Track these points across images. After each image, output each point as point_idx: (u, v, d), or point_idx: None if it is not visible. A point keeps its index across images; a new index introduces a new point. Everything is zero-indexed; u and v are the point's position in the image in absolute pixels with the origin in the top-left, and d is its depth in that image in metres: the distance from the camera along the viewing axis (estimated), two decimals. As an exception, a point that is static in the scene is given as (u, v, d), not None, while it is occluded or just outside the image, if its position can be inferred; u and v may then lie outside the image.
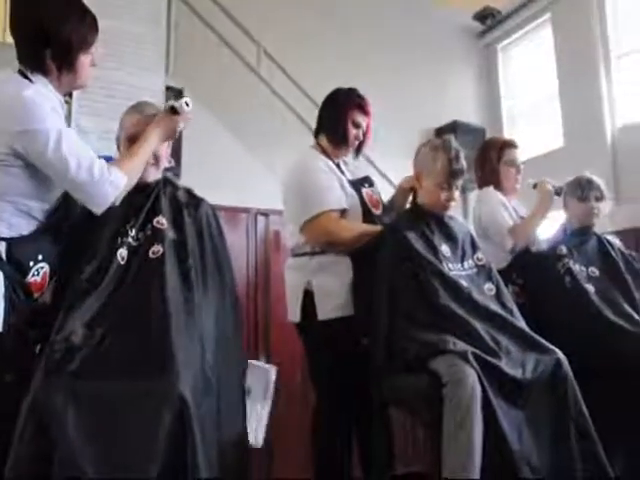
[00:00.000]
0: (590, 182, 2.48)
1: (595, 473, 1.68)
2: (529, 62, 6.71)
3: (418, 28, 6.23)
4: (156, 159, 1.76)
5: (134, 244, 1.66)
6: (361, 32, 5.76)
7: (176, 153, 3.61)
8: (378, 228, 2.06)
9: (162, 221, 1.70)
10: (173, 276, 1.60)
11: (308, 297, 2.14)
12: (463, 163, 1.97)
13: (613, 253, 2.46)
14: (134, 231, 1.67)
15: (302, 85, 4.18)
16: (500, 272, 2.12)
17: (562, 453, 1.65)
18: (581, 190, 2.47)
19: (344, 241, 2.07)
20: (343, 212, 2.11)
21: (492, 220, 2.49)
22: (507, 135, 6.54)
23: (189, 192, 1.85)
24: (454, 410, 1.54)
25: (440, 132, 5.76)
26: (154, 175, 1.78)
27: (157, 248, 1.64)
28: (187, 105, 1.72)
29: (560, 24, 6.21)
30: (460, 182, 1.99)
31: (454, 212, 2.65)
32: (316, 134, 2.31)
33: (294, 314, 2.20)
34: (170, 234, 1.68)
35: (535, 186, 2.53)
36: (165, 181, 1.83)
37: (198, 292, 1.61)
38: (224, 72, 4.04)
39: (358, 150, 2.31)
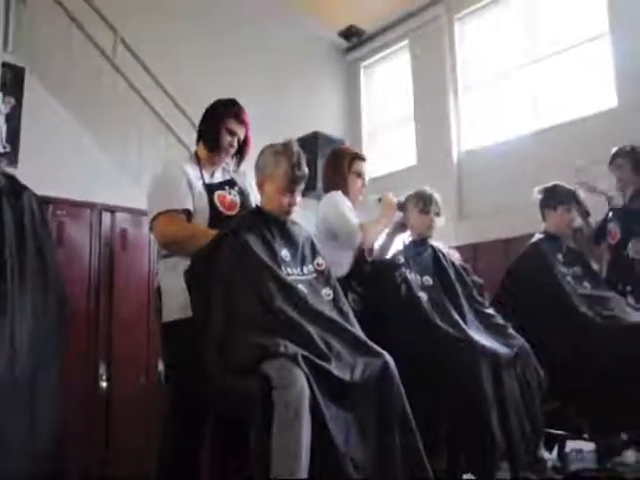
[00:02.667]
0: (431, 197, 2.66)
1: (415, 469, 1.77)
2: (389, 83, 7.10)
3: (287, 38, 6.33)
4: None
5: (-64, 234, 1.47)
6: (230, 36, 5.71)
7: (13, 138, 3.29)
8: (214, 231, 2.05)
9: (-27, 209, 1.53)
10: (-17, 270, 1.45)
11: (159, 298, 2.19)
12: (305, 168, 2.00)
13: (445, 264, 2.65)
14: (-63, 219, 1.48)
15: (162, 81, 4.03)
16: (339, 280, 2.19)
17: (386, 451, 1.72)
18: (424, 203, 2.63)
19: (176, 241, 2.11)
20: (189, 214, 2.15)
21: (341, 219, 2.54)
22: (366, 150, 6.86)
23: (11, 178, 1.68)
24: (283, 413, 1.55)
25: (302, 142, 5.88)
26: (-32, 157, 1.60)
27: (-35, 238, 1.47)
28: None
29: (416, 52, 6.65)
30: (302, 187, 2.03)
31: (311, 217, 2.72)
32: (196, 143, 2.37)
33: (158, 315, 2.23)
34: (-18, 224, 1.52)
35: (380, 200, 2.65)
36: (-18, 165, 1.65)
37: (13, 288, 1.48)
38: (75, 57, 3.77)
39: (240, 160, 2.38)
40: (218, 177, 2.32)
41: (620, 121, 4.87)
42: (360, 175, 2.75)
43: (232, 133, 2.27)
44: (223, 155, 2.30)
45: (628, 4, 5.10)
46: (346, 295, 2.16)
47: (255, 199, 2.30)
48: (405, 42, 6.76)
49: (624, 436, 2.87)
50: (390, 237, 2.72)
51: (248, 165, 2.37)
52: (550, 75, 5.74)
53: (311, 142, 5.92)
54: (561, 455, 2.94)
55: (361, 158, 2.81)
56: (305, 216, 2.56)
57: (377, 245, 2.74)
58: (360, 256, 2.60)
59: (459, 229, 5.79)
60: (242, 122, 2.30)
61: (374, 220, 2.65)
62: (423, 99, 6.47)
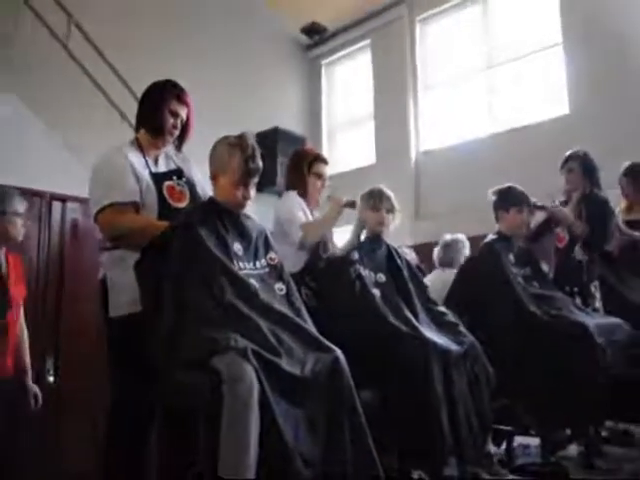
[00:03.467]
0: (382, 194, 2.68)
1: (365, 466, 1.78)
2: (350, 81, 7.13)
3: (248, 32, 6.27)
4: None
5: None
6: (190, 28, 5.63)
7: (-44, 123, 3.16)
8: (165, 223, 2.01)
9: None
10: None
11: (106, 293, 2.12)
12: (259, 162, 1.98)
13: (399, 262, 2.67)
14: None
15: (117, 67, 3.93)
16: (294, 275, 2.19)
17: (335, 446, 1.71)
18: (374, 200, 2.66)
19: (127, 234, 2.04)
20: (137, 206, 2.09)
21: (289, 216, 2.65)
22: (326, 147, 6.87)
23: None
24: (232, 407, 1.53)
25: (261, 137, 5.85)
26: None
27: None
28: None
29: (378, 51, 6.70)
30: (256, 180, 2.00)
31: (266, 212, 2.73)
32: (136, 129, 2.29)
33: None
34: None
35: (329, 198, 2.69)
36: None
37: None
38: (26, 38, 3.64)
39: (180, 143, 2.31)
40: (162, 164, 2.27)
41: (571, 128, 5.03)
42: (320, 176, 2.82)
43: (175, 115, 2.22)
44: (167, 138, 2.24)
45: (580, 16, 5.28)
46: (299, 290, 2.16)
47: (201, 188, 2.27)
48: (367, 41, 6.79)
49: (567, 431, 2.98)
50: (354, 234, 2.76)
51: (188, 150, 2.34)
52: (506, 80, 5.90)
53: (270, 137, 5.90)
54: (509, 450, 3.02)
55: (322, 160, 2.88)
56: (260, 211, 2.56)
57: (341, 244, 2.81)
58: (315, 252, 2.62)
59: (416, 228, 5.86)
60: (184, 103, 2.25)
61: (318, 219, 2.73)
62: (383, 99, 6.52)
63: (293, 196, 2.75)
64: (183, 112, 2.24)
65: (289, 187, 2.84)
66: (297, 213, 2.66)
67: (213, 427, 1.57)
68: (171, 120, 2.21)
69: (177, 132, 2.25)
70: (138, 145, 2.22)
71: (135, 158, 2.15)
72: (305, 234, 2.59)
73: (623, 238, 3.42)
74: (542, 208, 3.31)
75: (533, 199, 3.15)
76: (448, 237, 4.04)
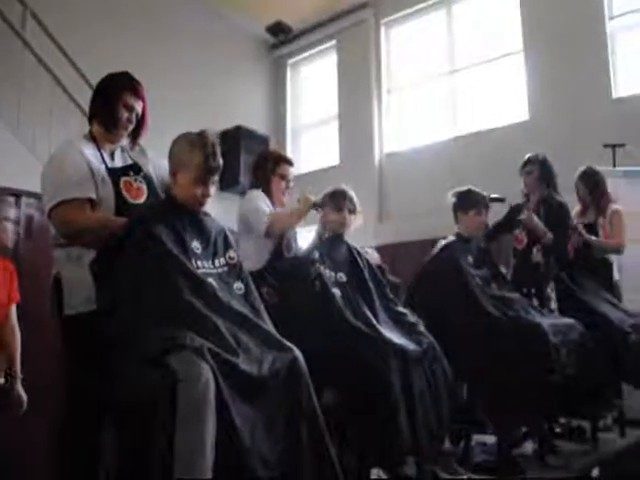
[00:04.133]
0: (345, 194, 2.69)
1: (323, 465, 1.77)
2: (315, 82, 7.13)
3: (213, 30, 6.21)
4: None
5: None
6: (151, 24, 5.55)
7: None
8: (122, 219, 1.97)
9: None
10: None
11: (58, 290, 2.05)
12: (220, 159, 1.96)
13: (360, 262, 2.69)
14: None
15: (76, 61, 3.83)
16: (254, 274, 2.18)
17: (293, 446, 1.71)
18: (336, 200, 2.67)
19: (81, 231, 1.99)
20: (93, 202, 2.03)
21: (254, 210, 2.67)
22: (290, 146, 6.87)
23: None
24: (187, 407, 1.51)
25: (224, 135, 5.81)
26: None
27: None
28: None
29: (343, 53, 6.73)
30: (217, 178, 1.98)
31: (230, 207, 2.71)
32: (90, 121, 2.20)
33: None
34: None
35: (299, 200, 2.72)
36: None
37: None
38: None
39: (135, 137, 2.24)
40: (118, 159, 2.20)
41: (531, 133, 5.15)
42: (284, 177, 2.85)
43: (130, 108, 2.14)
44: (121, 132, 2.17)
45: (540, 25, 5.42)
46: (260, 288, 2.14)
47: (158, 178, 2.22)
48: (332, 42, 6.81)
49: (523, 429, 3.04)
50: (317, 234, 2.77)
51: (149, 148, 2.29)
52: (469, 85, 6.01)
53: (234, 136, 5.87)
54: (467, 448, 3.06)
55: (287, 161, 2.90)
56: (222, 210, 2.54)
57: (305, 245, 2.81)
58: (277, 251, 2.62)
59: (379, 230, 5.91)
60: (139, 97, 2.18)
61: (286, 212, 2.76)
62: (348, 100, 6.56)
63: (257, 193, 2.77)
64: (138, 106, 2.17)
65: (253, 186, 2.85)
66: (263, 206, 2.68)
67: (168, 428, 1.55)
68: (125, 114, 2.13)
69: (132, 126, 2.18)
70: (92, 139, 2.15)
71: (89, 152, 2.08)
72: (272, 223, 2.61)
73: (578, 240, 3.51)
74: (500, 200, 3.34)
75: (486, 192, 3.20)
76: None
